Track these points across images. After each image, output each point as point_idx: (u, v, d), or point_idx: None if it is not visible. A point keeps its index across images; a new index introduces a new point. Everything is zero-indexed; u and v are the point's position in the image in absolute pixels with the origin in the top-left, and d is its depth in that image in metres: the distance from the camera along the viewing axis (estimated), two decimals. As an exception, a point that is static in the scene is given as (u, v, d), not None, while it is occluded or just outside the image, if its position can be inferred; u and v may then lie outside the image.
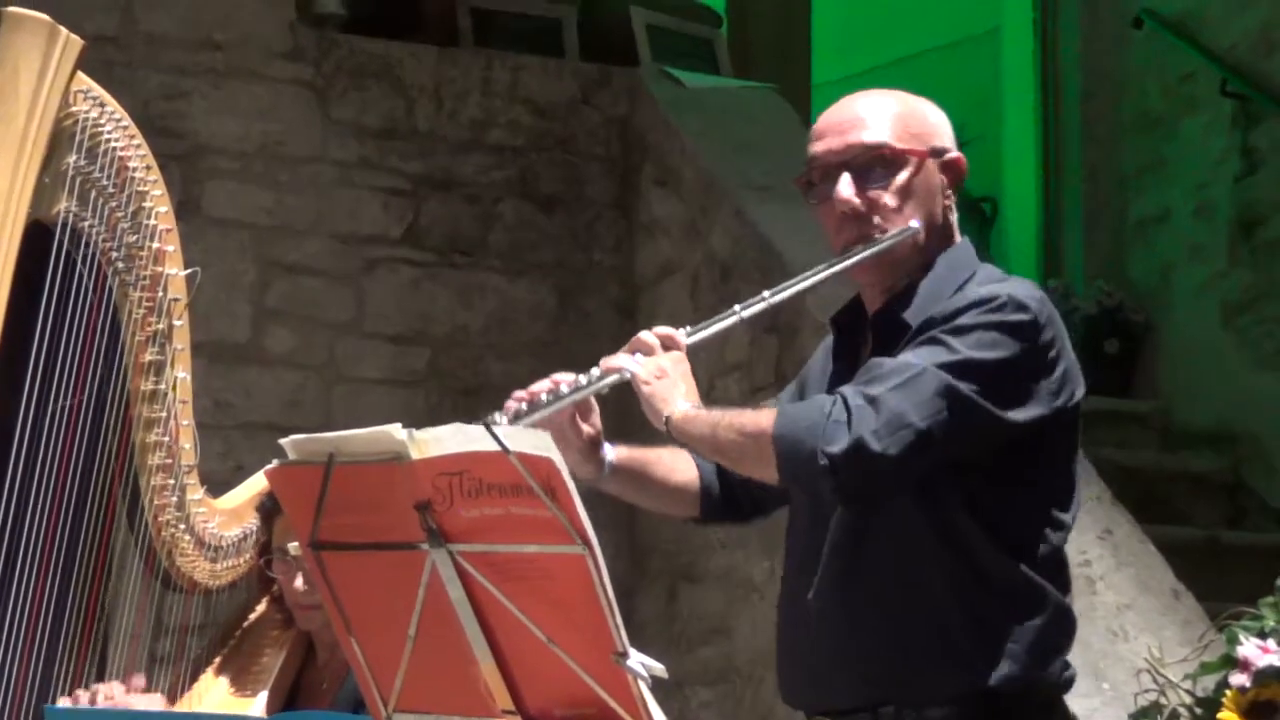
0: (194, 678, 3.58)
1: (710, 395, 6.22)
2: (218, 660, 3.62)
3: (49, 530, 3.24)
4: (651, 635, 6.18)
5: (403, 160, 6.76)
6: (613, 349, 3.00)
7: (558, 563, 2.33)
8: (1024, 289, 2.88)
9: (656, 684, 2.34)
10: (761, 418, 2.82)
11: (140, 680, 3.46)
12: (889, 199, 2.94)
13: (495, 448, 2.31)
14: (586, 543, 2.30)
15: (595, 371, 2.92)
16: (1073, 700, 4.18)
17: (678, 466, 3.18)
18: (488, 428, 2.33)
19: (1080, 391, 2.90)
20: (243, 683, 3.56)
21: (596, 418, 3.06)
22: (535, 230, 6.87)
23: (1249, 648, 3.66)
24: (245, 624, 3.68)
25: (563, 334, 6.77)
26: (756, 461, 2.83)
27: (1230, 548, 6.39)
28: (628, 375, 2.88)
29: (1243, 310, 7.13)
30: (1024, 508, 2.86)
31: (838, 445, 2.70)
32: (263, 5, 6.67)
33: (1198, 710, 3.77)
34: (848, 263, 2.94)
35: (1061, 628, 2.89)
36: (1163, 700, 3.86)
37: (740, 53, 8.14)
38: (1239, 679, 3.66)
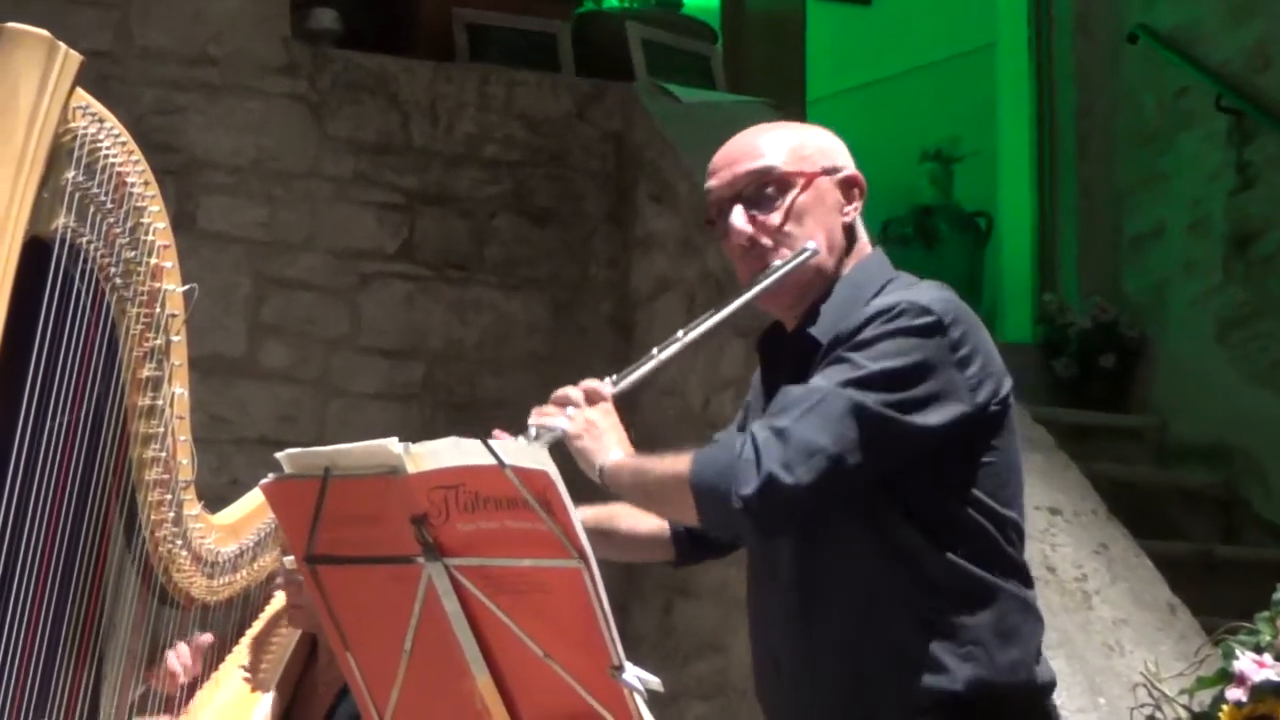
0: (220, 658, 3.60)
1: (706, 410, 6.25)
2: (241, 644, 3.64)
3: (46, 545, 3.23)
4: (646, 650, 6.18)
5: (398, 175, 6.77)
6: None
7: (554, 576, 2.33)
8: (929, 293, 2.88)
9: (652, 698, 2.35)
10: (680, 464, 2.82)
11: (207, 638, 3.51)
12: (779, 221, 2.96)
13: (491, 461, 2.32)
14: (583, 556, 2.30)
15: (531, 431, 2.91)
16: (1069, 715, 4.19)
17: (643, 515, 3.17)
18: (484, 441, 2.33)
19: (1006, 386, 2.89)
20: (253, 676, 3.58)
21: None
22: (530, 245, 6.87)
23: (1245, 662, 3.66)
24: (269, 609, 3.69)
25: (558, 349, 6.78)
26: (680, 508, 2.85)
27: (1225, 562, 6.39)
28: (559, 431, 2.88)
29: (1237, 325, 7.13)
30: (961, 508, 2.84)
31: (749, 486, 2.71)
32: (258, 20, 6.67)
33: (1193, 725, 3.78)
34: (752, 294, 2.95)
35: (1019, 617, 2.87)
36: (1159, 715, 3.86)
37: (735, 68, 8.15)
38: (1235, 694, 3.66)
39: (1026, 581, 2.92)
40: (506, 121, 6.93)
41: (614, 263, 6.93)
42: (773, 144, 3.01)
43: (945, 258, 8.63)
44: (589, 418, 2.89)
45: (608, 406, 2.92)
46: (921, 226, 8.73)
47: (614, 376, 2.96)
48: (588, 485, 3.01)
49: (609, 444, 2.88)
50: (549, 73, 7.20)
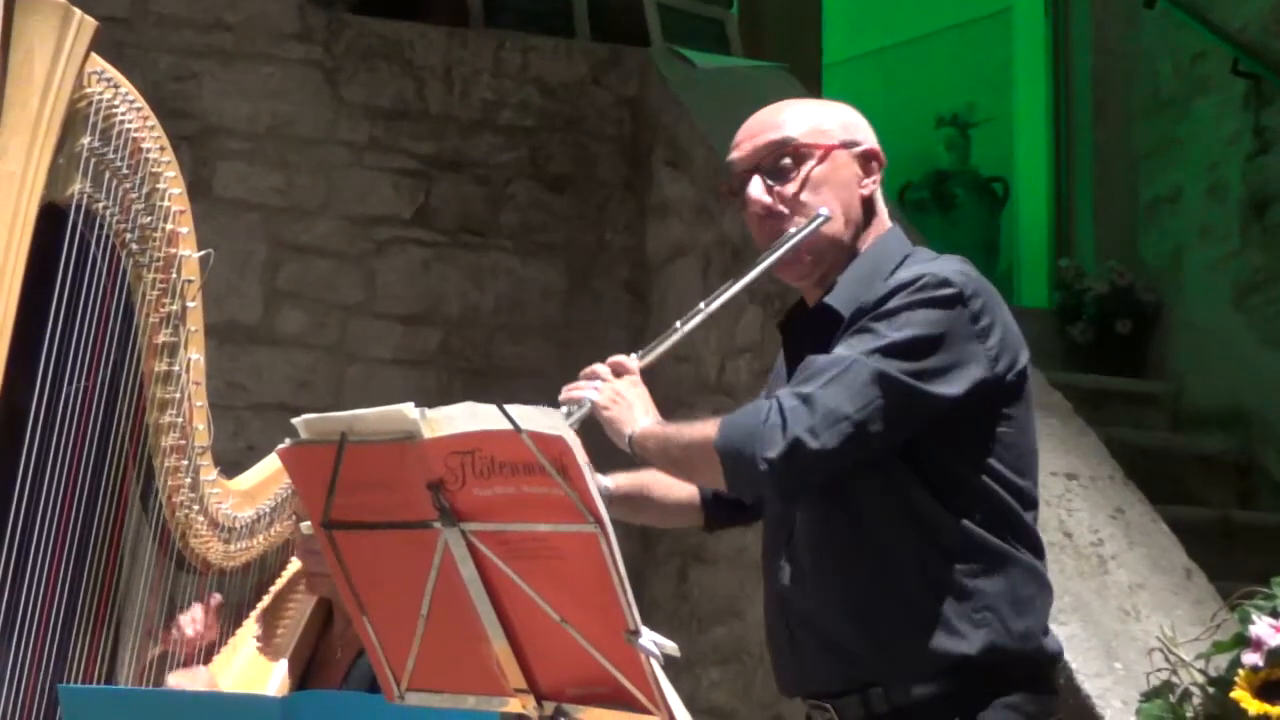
0: (237, 623, 3.62)
1: (721, 376, 6.25)
2: (258, 609, 3.66)
3: (63, 512, 3.24)
4: (662, 616, 6.19)
5: (413, 141, 6.76)
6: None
7: (570, 541, 2.34)
8: (950, 265, 2.96)
9: (667, 663, 2.35)
10: (707, 429, 2.91)
11: (217, 598, 3.55)
12: (795, 190, 3.04)
13: (507, 426, 2.32)
14: (598, 521, 2.30)
15: (563, 409, 2.98)
16: (1085, 680, 4.20)
17: (675, 483, 3.27)
18: (500, 406, 2.34)
19: (1023, 359, 2.97)
20: (269, 641, 3.60)
21: None
22: (546, 211, 6.87)
23: (1261, 627, 3.66)
24: (285, 574, 3.70)
25: (574, 314, 6.77)
26: (705, 472, 2.95)
27: (1242, 527, 6.39)
28: (588, 404, 2.98)
29: (1254, 290, 7.12)
30: (976, 476, 2.92)
31: (775, 449, 2.80)
32: (272, -14, 6.68)
33: (1210, 689, 3.77)
34: (768, 261, 3.04)
35: (1032, 587, 2.94)
36: (1175, 679, 3.85)
37: (751, 32, 8.13)
38: (1251, 658, 3.66)
39: (1039, 552, 2.99)
40: (522, 87, 6.93)
41: (630, 228, 6.92)
42: (792, 117, 3.10)
43: (962, 223, 8.63)
44: (616, 389, 3.00)
45: (635, 378, 3.02)
46: (938, 192, 8.72)
47: (639, 351, 3.07)
48: (621, 456, 3.06)
49: (637, 413, 2.98)
50: (564, 38, 7.19)
